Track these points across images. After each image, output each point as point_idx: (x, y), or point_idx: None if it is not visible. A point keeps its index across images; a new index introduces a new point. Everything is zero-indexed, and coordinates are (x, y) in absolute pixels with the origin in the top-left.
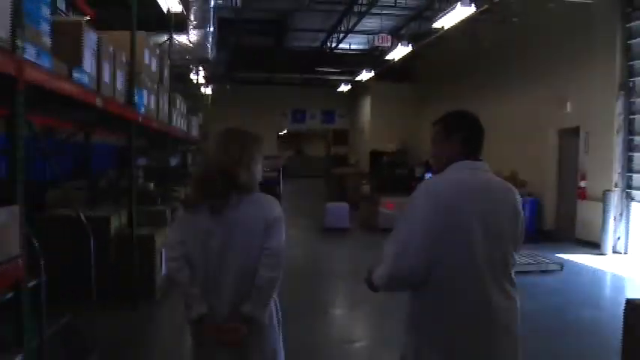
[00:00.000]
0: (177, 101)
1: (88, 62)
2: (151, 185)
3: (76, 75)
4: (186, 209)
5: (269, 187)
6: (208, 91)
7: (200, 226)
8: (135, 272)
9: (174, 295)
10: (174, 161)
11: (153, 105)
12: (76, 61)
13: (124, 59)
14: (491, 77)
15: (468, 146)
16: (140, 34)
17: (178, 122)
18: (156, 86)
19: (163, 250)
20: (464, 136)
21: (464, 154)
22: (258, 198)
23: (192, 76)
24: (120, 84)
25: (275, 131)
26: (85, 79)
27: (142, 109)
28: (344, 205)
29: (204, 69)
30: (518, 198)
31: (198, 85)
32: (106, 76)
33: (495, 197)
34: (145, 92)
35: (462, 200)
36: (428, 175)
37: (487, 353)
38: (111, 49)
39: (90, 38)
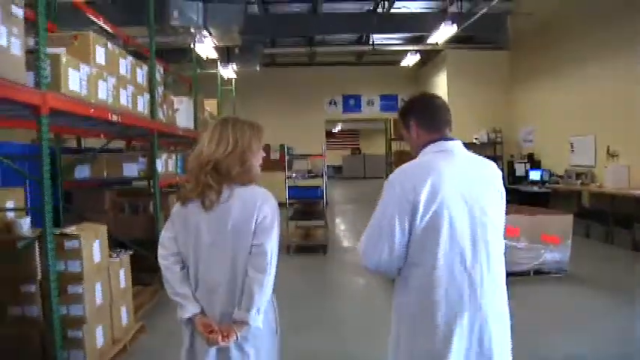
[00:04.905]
0: (105, 50)
1: None
2: (23, 226)
3: None
4: (182, 204)
5: (308, 201)
6: (229, 73)
7: (192, 221)
8: None
9: None
10: (132, 169)
11: None
12: None
13: None
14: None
15: (424, 128)
16: None
17: (117, 98)
18: None
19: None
20: (417, 120)
21: (427, 137)
22: (252, 191)
23: (199, 49)
24: None
25: (321, 125)
26: None
27: None
28: None
29: (210, 33)
30: (499, 173)
31: (206, 62)
32: None
33: (472, 176)
34: None
35: (432, 184)
36: (533, 172)
37: (478, 338)
38: None
39: None
